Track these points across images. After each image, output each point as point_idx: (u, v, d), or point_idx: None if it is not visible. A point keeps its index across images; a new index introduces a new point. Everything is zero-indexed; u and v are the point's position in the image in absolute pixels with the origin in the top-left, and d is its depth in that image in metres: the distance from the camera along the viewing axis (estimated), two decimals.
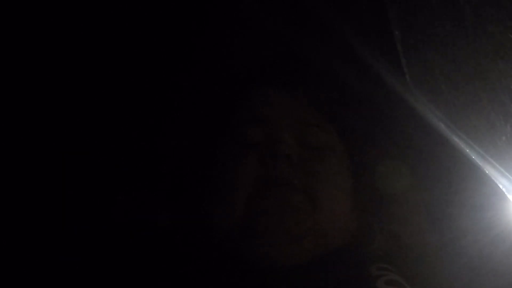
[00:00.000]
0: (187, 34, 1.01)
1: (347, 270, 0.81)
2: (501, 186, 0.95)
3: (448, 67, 0.97)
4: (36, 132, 0.99)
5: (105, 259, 0.86)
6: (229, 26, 1.00)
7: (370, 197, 0.90)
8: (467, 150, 0.95)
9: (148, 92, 0.99)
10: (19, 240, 0.94)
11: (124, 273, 0.84)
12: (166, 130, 0.96)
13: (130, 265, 0.84)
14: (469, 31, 0.96)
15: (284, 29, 0.98)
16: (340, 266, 0.82)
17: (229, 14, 1.00)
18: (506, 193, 0.95)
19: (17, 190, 0.97)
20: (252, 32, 0.99)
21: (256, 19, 0.98)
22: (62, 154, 0.97)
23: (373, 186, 0.90)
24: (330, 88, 0.94)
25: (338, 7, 0.99)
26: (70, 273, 0.89)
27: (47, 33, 1.00)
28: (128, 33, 1.00)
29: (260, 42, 0.98)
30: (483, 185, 0.95)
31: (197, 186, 0.90)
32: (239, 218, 0.83)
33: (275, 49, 0.98)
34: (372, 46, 0.99)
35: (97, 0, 0.98)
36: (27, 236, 0.94)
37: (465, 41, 0.96)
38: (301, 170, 0.85)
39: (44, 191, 0.97)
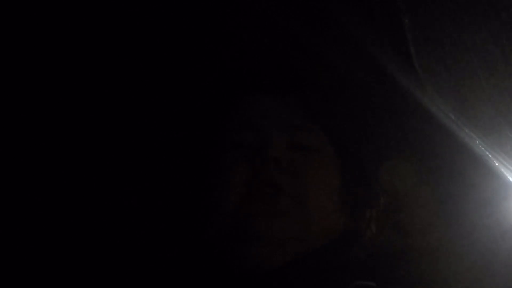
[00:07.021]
0: (183, 38, 1.01)
1: (327, 272, 0.83)
2: (511, 180, 0.94)
3: (457, 58, 0.95)
4: (33, 131, 0.99)
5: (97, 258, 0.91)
6: (225, 29, 1.00)
7: (364, 196, 0.90)
8: (477, 144, 0.94)
9: (142, 94, 1.00)
10: (19, 239, 0.95)
11: (115, 272, 0.88)
12: (160, 132, 0.97)
13: (122, 265, 0.88)
14: (482, 20, 0.94)
15: (287, 22, 0.97)
16: (322, 268, 0.83)
17: (225, 17, 0.99)
18: None
19: (15, 190, 0.98)
20: (247, 35, 0.98)
21: (257, 18, 0.97)
22: (58, 154, 0.98)
23: (369, 184, 0.91)
24: (320, 91, 0.95)
25: None
26: (70, 273, 0.91)
27: (46, 33, 1.00)
28: (123, 34, 1.00)
29: (255, 44, 0.98)
30: (492, 180, 0.94)
31: (191, 188, 0.92)
32: (228, 221, 0.86)
33: (267, 52, 0.97)
34: (379, 38, 0.97)
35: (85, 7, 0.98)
36: (27, 235, 0.96)
37: (476, 31, 0.94)
38: (290, 174, 0.86)
39: (42, 191, 0.98)
